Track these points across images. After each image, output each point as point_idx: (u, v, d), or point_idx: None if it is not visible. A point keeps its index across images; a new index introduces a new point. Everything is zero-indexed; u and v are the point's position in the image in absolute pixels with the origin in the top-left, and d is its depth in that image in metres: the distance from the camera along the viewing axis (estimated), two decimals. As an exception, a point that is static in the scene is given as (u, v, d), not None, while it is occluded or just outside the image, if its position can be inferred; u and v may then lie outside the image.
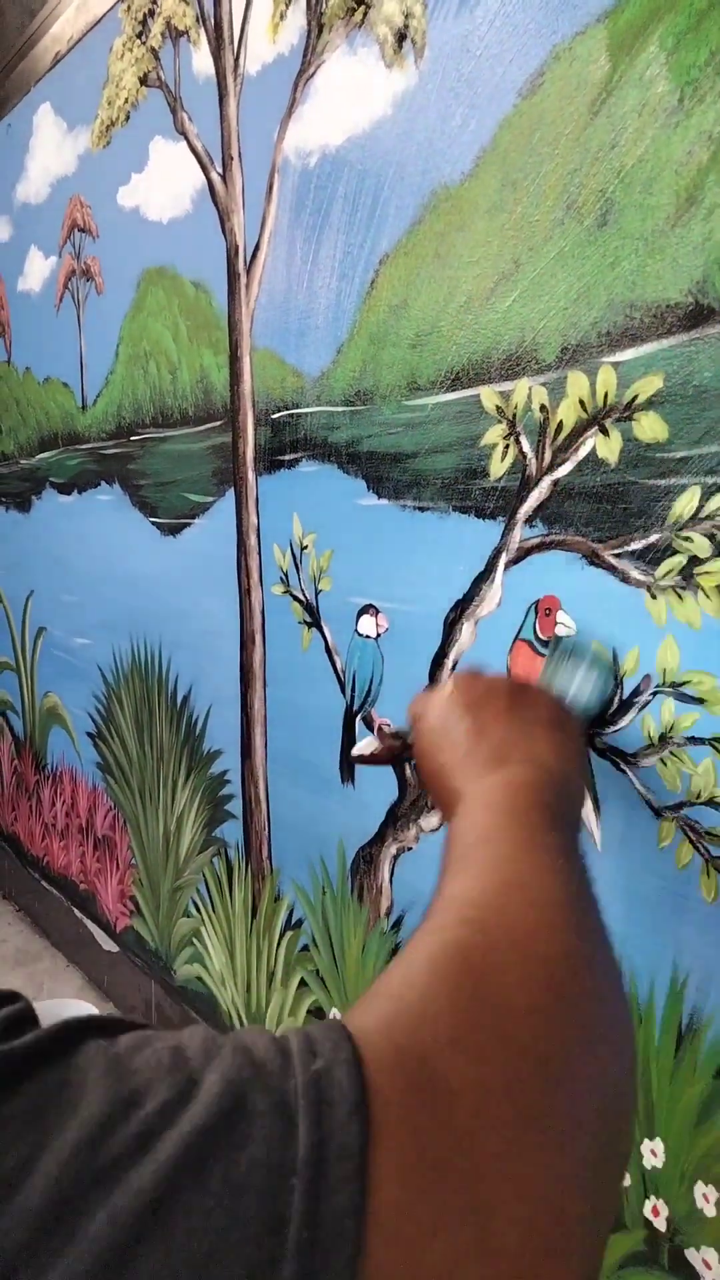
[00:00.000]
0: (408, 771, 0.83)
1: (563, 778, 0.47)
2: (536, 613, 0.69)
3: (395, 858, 0.85)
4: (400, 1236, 0.25)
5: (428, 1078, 0.28)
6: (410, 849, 0.84)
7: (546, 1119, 0.28)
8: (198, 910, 1.20)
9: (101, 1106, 0.25)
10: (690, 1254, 0.63)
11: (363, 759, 0.64)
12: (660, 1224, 0.65)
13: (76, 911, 1.57)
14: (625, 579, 0.63)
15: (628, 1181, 0.66)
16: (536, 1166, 0.28)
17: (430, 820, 0.81)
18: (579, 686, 0.62)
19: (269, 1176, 0.24)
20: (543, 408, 0.67)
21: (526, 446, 0.69)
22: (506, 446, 0.70)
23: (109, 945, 1.47)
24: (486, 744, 0.50)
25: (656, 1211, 0.65)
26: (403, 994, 0.31)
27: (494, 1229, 0.26)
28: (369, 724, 0.87)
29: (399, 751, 0.62)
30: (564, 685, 0.62)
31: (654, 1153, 0.64)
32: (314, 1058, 0.27)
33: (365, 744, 0.64)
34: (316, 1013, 0.98)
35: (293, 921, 1.01)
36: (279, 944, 1.03)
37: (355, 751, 0.64)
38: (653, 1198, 0.65)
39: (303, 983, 1.00)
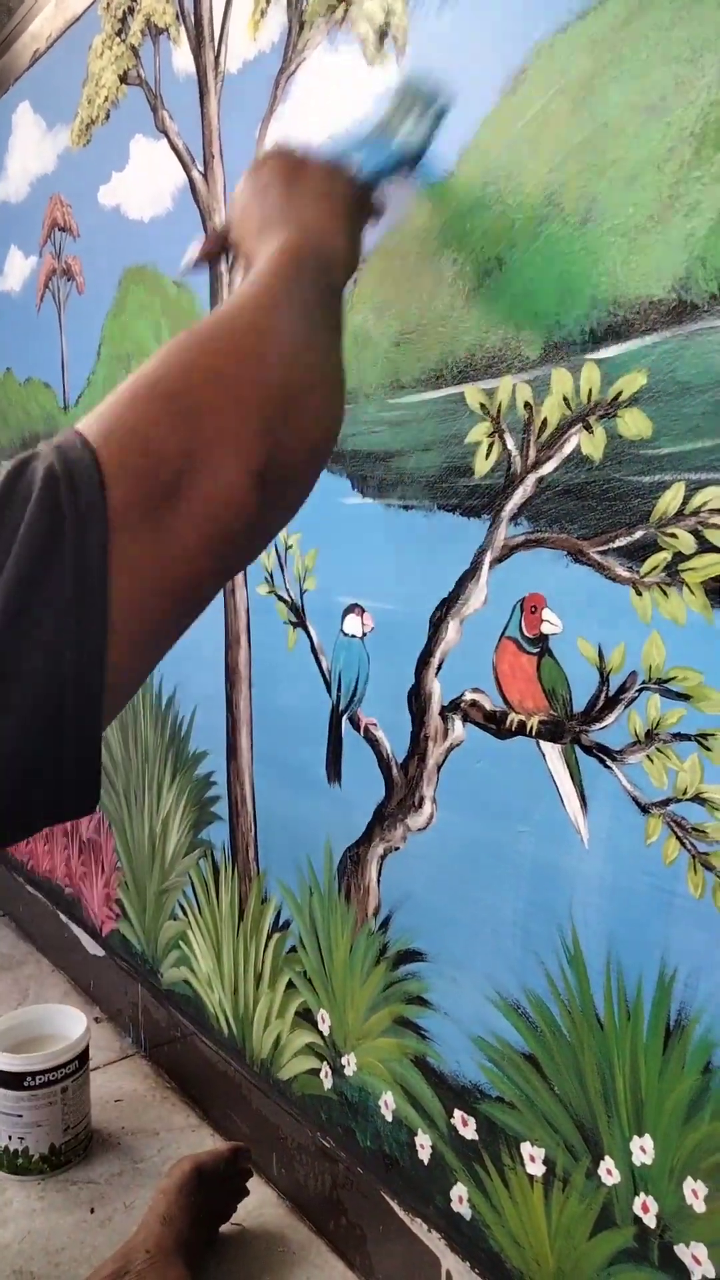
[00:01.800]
0: (394, 770, 0.83)
1: (319, 238, 0.57)
2: (522, 610, 0.69)
3: (382, 857, 0.85)
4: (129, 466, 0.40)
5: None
6: (397, 849, 0.83)
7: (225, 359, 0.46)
8: (184, 913, 1.19)
9: None
10: (680, 1250, 0.63)
11: (195, 260, 0.67)
12: (650, 1220, 0.65)
13: (62, 915, 1.56)
14: (610, 576, 0.63)
15: (617, 1178, 0.66)
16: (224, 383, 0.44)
17: (418, 819, 0.81)
18: (410, 127, 0.68)
19: (48, 487, 0.38)
20: (527, 405, 0.67)
21: (511, 444, 0.69)
22: (491, 444, 0.70)
23: (95, 949, 1.46)
24: (267, 218, 0.59)
25: (646, 1208, 0.65)
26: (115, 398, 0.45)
27: (188, 510, 0.41)
28: (355, 724, 0.87)
29: (223, 243, 0.65)
30: (396, 125, 0.68)
31: (643, 1149, 0.64)
32: (64, 452, 0.41)
33: (192, 249, 0.68)
34: (305, 1014, 0.98)
35: (280, 923, 1.00)
36: (266, 945, 1.03)
37: (186, 259, 0.69)
38: (642, 1194, 0.65)
39: (290, 984, 0.99)
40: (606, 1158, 0.67)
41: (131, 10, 1.09)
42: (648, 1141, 0.64)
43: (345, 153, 0.65)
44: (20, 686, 0.36)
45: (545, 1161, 0.72)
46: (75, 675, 0.37)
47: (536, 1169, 0.72)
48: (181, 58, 1.01)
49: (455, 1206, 0.80)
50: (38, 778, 0.38)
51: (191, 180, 1.02)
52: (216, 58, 0.96)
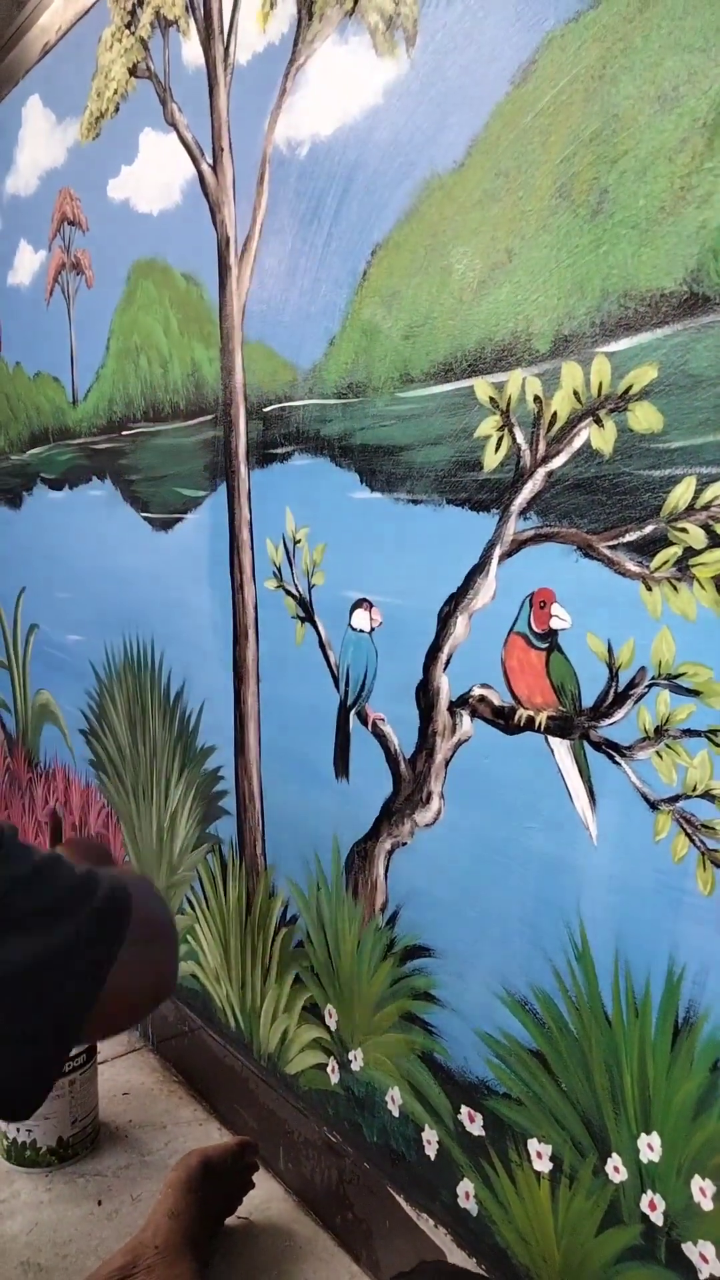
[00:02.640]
0: (402, 766, 0.82)
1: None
2: (531, 605, 0.69)
3: (390, 853, 0.85)
4: (125, 968, 0.55)
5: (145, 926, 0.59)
6: (405, 844, 0.83)
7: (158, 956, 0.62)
8: (192, 907, 1.19)
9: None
10: (687, 1248, 0.62)
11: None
12: (657, 1218, 0.64)
13: (70, 909, 1.56)
14: (620, 571, 0.62)
15: (624, 1175, 0.66)
16: (158, 959, 0.61)
17: (426, 815, 0.80)
18: None
19: (79, 924, 0.54)
20: (536, 399, 0.67)
21: (520, 438, 0.68)
22: (500, 438, 0.70)
23: (103, 943, 1.46)
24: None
25: (653, 1206, 0.64)
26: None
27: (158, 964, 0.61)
28: (363, 719, 0.87)
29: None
30: None
31: (650, 1147, 0.64)
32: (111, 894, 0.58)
33: None
34: (312, 1009, 0.98)
35: (287, 918, 1.00)
36: (274, 940, 1.03)
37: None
38: (649, 1192, 0.65)
39: (297, 979, 0.99)
40: (614, 1155, 0.67)
41: (141, 3, 1.09)
42: (655, 1139, 0.64)
43: None
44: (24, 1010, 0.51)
45: (552, 1158, 0.72)
46: (66, 998, 0.53)
47: (543, 1165, 0.72)
48: (191, 50, 1.01)
49: (462, 1202, 0.80)
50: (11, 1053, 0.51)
51: (200, 173, 1.02)
52: (226, 50, 0.95)
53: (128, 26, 1.12)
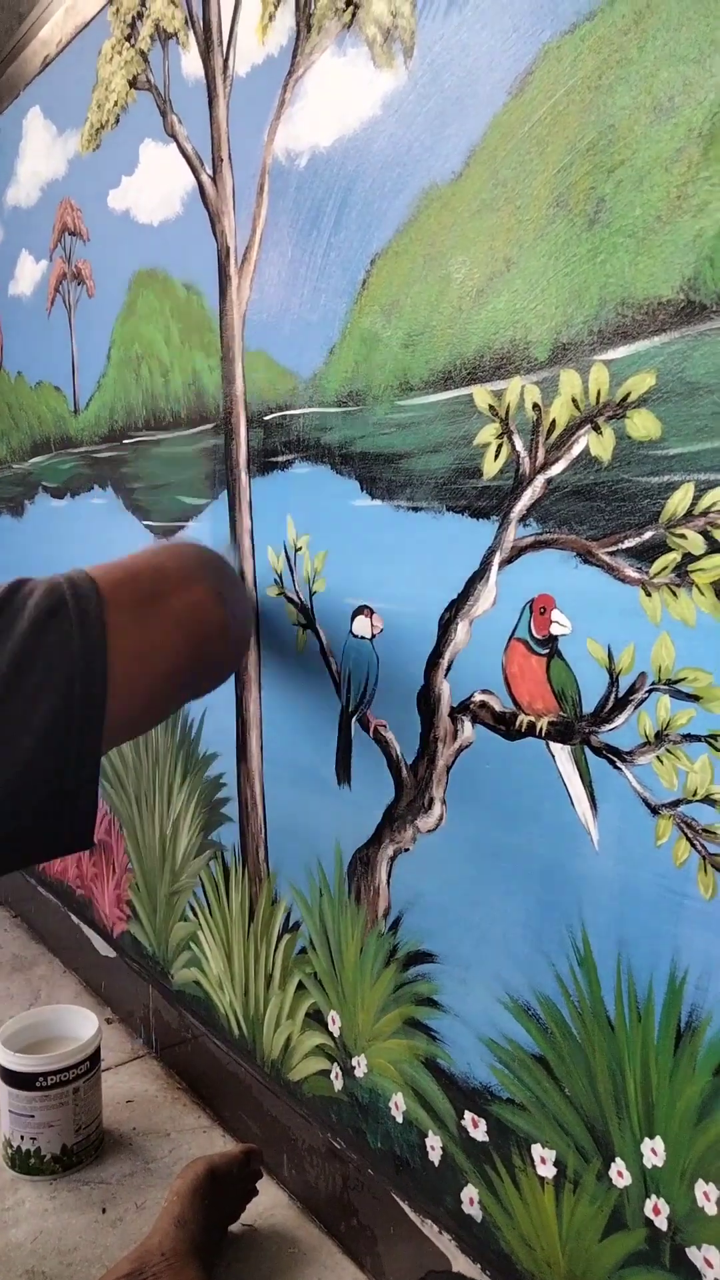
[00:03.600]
0: (403, 772, 0.83)
1: None
2: (531, 611, 0.69)
3: (392, 859, 0.85)
4: (125, 624, 0.52)
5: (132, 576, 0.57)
6: (407, 850, 0.83)
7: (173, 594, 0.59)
8: (195, 914, 1.19)
9: None
10: (691, 1253, 0.62)
11: None
12: (661, 1223, 0.64)
13: (73, 917, 1.57)
14: (620, 576, 0.62)
15: (628, 1180, 0.66)
16: (181, 599, 0.58)
17: (428, 821, 0.81)
18: None
19: (50, 589, 0.50)
20: (535, 406, 0.67)
21: (519, 445, 0.69)
22: (499, 445, 0.70)
23: (106, 950, 1.46)
24: None
25: (657, 1210, 0.65)
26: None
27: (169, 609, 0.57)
28: (364, 725, 0.87)
29: None
30: None
31: (654, 1151, 0.64)
32: (65, 575, 0.54)
33: None
34: (315, 1015, 0.98)
35: (290, 924, 1.01)
36: (276, 947, 1.03)
37: None
38: (653, 1196, 0.65)
39: (301, 985, 0.99)
40: (617, 1159, 0.67)
41: (141, 15, 1.10)
42: (659, 1143, 0.64)
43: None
44: (35, 714, 0.46)
45: (556, 1163, 0.72)
46: (81, 714, 0.47)
47: (547, 1171, 0.72)
48: (190, 62, 1.02)
49: (466, 1208, 0.80)
50: (40, 799, 0.47)
51: (200, 184, 1.02)
52: (225, 62, 0.96)
53: (128, 39, 1.13)
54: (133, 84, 1.13)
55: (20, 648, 0.47)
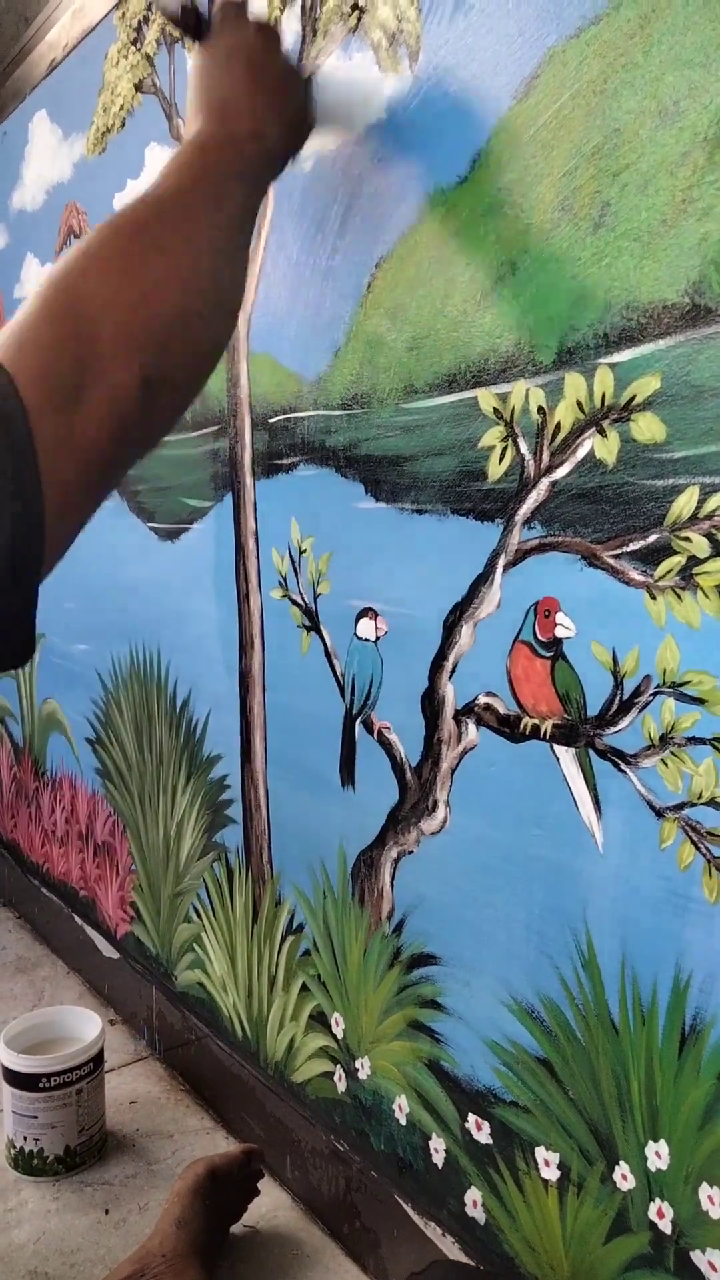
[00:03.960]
0: (407, 774, 0.83)
1: (244, 129, 0.64)
2: (536, 614, 0.69)
3: (396, 861, 0.85)
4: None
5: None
6: (411, 852, 0.83)
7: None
8: (198, 916, 1.20)
9: None
10: (696, 1256, 0.62)
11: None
12: (665, 1226, 0.64)
13: (77, 918, 1.57)
14: (624, 579, 0.63)
15: (632, 1184, 0.66)
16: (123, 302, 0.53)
17: (432, 823, 0.81)
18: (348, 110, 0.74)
19: None
20: (540, 409, 0.67)
21: (524, 448, 0.69)
22: (504, 448, 0.70)
23: (109, 952, 1.46)
24: (207, 90, 0.66)
25: (662, 1214, 0.65)
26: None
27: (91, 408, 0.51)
28: (369, 727, 0.87)
29: (191, 25, 0.69)
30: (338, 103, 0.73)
31: (658, 1155, 0.64)
32: None
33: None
34: (318, 1017, 0.98)
35: (294, 926, 1.01)
36: (280, 948, 1.03)
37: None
38: (658, 1200, 0.65)
39: (304, 987, 1.00)
40: (621, 1163, 0.67)
41: (147, 19, 1.10)
42: (663, 1147, 0.64)
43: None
44: None
45: (560, 1166, 0.72)
46: (18, 531, 0.45)
47: (551, 1173, 0.72)
48: (196, 66, 1.02)
49: (469, 1210, 0.80)
50: None
51: (206, 187, 1.02)
52: (231, 66, 0.96)
53: (134, 43, 1.13)
54: (139, 88, 1.13)
55: None
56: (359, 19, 0.79)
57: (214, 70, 0.67)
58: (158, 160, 1.11)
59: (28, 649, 0.50)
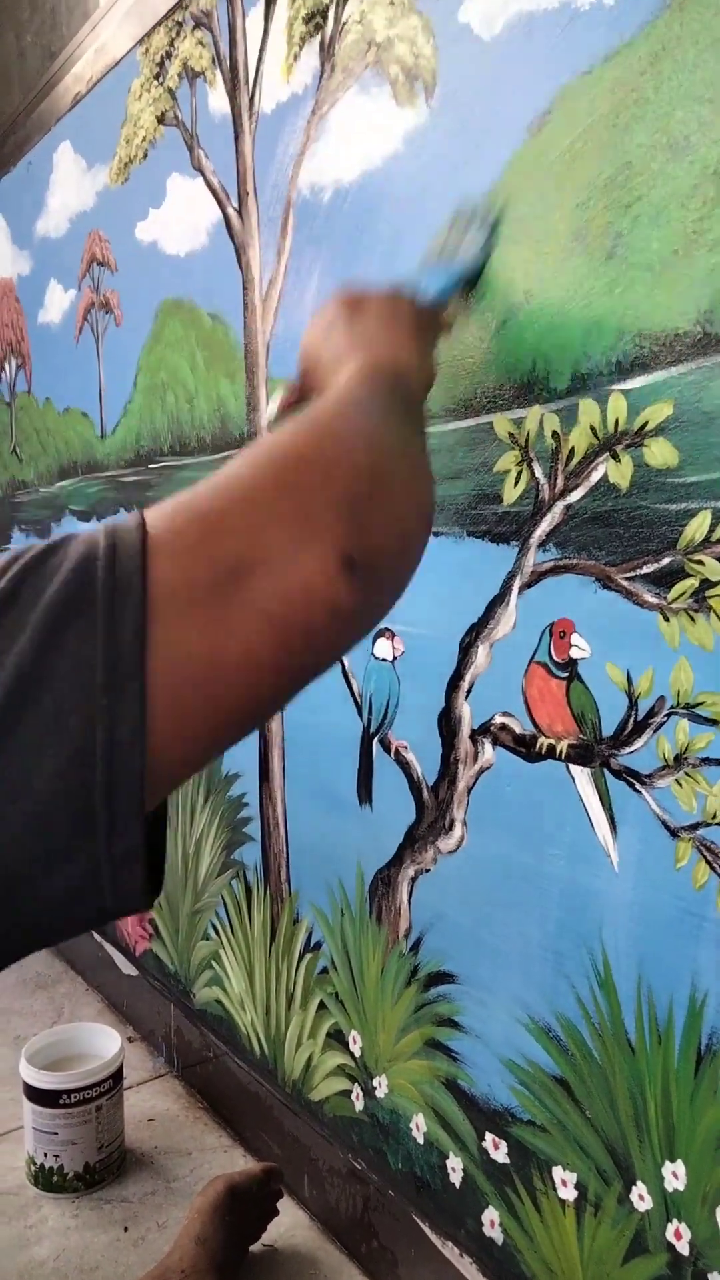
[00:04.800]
0: (424, 793, 0.84)
1: (390, 357, 0.57)
2: (551, 635, 0.70)
3: (413, 879, 0.86)
4: (177, 596, 0.35)
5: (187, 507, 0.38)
6: (428, 871, 0.84)
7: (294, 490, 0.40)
8: (217, 933, 1.20)
9: None
10: (714, 1278, 0.62)
11: (276, 413, 0.67)
12: (683, 1248, 0.64)
13: (96, 935, 1.58)
14: (638, 601, 0.63)
15: (650, 1204, 0.66)
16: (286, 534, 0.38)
17: (448, 842, 0.81)
18: (467, 245, 0.71)
19: (81, 562, 0.34)
20: (555, 434, 0.68)
21: (539, 472, 0.70)
22: (519, 472, 0.72)
23: (128, 969, 1.47)
24: (335, 354, 0.58)
25: (679, 1235, 0.65)
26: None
27: (250, 597, 0.36)
28: (386, 746, 0.88)
29: (300, 392, 0.65)
30: (454, 246, 0.71)
31: (675, 1175, 0.64)
32: (114, 529, 0.37)
33: (272, 404, 0.68)
34: (336, 1035, 0.98)
35: (311, 944, 1.01)
36: (298, 966, 1.04)
37: (269, 413, 0.70)
38: (675, 1221, 0.65)
39: (322, 1005, 1.00)
40: (638, 1183, 0.67)
41: (169, 55, 1.13)
42: (680, 1167, 0.64)
43: (405, 282, 0.68)
44: (39, 767, 0.32)
45: (577, 1186, 0.72)
46: (107, 759, 0.32)
47: (568, 1193, 0.72)
48: (217, 99, 1.04)
49: (487, 1230, 0.80)
50: (59, 871, 0.33)
51: (226, 216, 1.05)
52: (251, 99, 0.99)
53: (156, 78, 1.16)
54: (161, 120, 1.16)
55: (20, 666, 0.32)
56: (376, 55, 0.81)
57: (369, 321, 0.62)
58: (179, 189, 1.14)
59: (137, 895, 0.34)
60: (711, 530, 0.58)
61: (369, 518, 0.41)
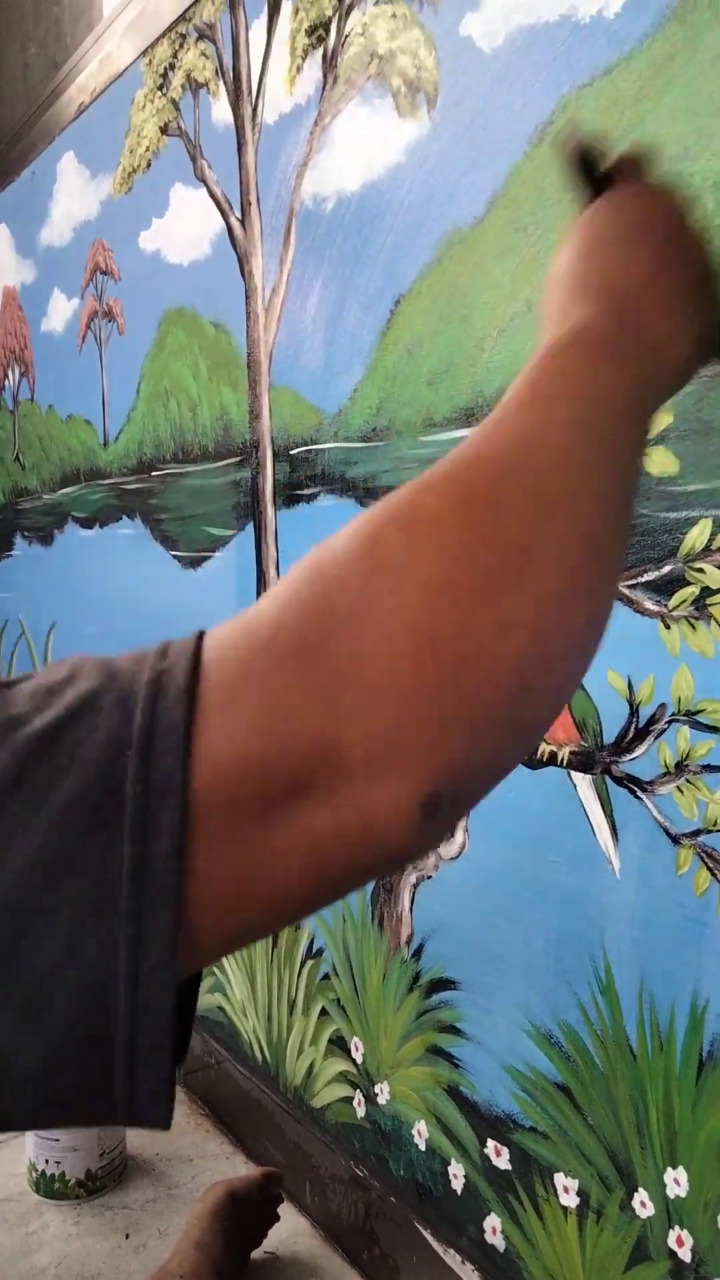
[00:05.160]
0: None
1: (635, 337, 0.39)
2: (552, 643, 0.70)
3: (415, 886, 0.86)
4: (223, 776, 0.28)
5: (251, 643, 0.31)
6: (430, 877, 0.84)
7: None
8: (218, 939, 1.20)
9: None
10: (715, 1285, 0.62)
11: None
12: (685, 1254, 0.64)
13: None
14: (639, 609, 0.64)
15: (652, 1211, 0.66)
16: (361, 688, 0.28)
17: (450, 848, 0.82)
18: None
19: (108, 749, 0.28)
20: (556, 443, 0.69)
21: (540, 480, 0.70)
22: (521, 480, 0.72)
23: (130, 975, 1.47)
24: (608, 278, 0.41)
25: (681, 1241, 0.65)
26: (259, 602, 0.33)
27: (301, 826, 0.28)
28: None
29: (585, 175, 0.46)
30: None
31: (677, 1182, 0.64)
32: (163, 659, 0.31)
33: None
34: (338, 1042, 0.98)
35: (313, 950, 1.01)
36: (300, 973, 1.04)
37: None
38: (676, 1227, 0.65)
39: (324, 1011, 1.00)
40: (640, 1190, 0.67)
41: (173, 66, 1.14)
42: (682, 1174, 0.64)
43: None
44: (49, 1008, 0.27)
45: (579, 1193, 0.72)
46: (130, 998, 0.28)
47: (570, 1200, 0.73)
48: (220, 110, 1.05)
49: (489, 1238, 0.80)
50: (78, 1110, 0.30)
51: (229, 226, 1.06)
52: (254, 110, 1.00)
53: (160, 88, 1.17)
54: (164, 130, 1.17)
55: (21, 887, 0.27)
56: (379, 67, 0.82)
57: (615, 246, 0.42)
58: (182, 199, 1.15)
59: (162, 1115, 0.31)
60: (712, 538, 0.59)
61: (488, 732, 0.29)
